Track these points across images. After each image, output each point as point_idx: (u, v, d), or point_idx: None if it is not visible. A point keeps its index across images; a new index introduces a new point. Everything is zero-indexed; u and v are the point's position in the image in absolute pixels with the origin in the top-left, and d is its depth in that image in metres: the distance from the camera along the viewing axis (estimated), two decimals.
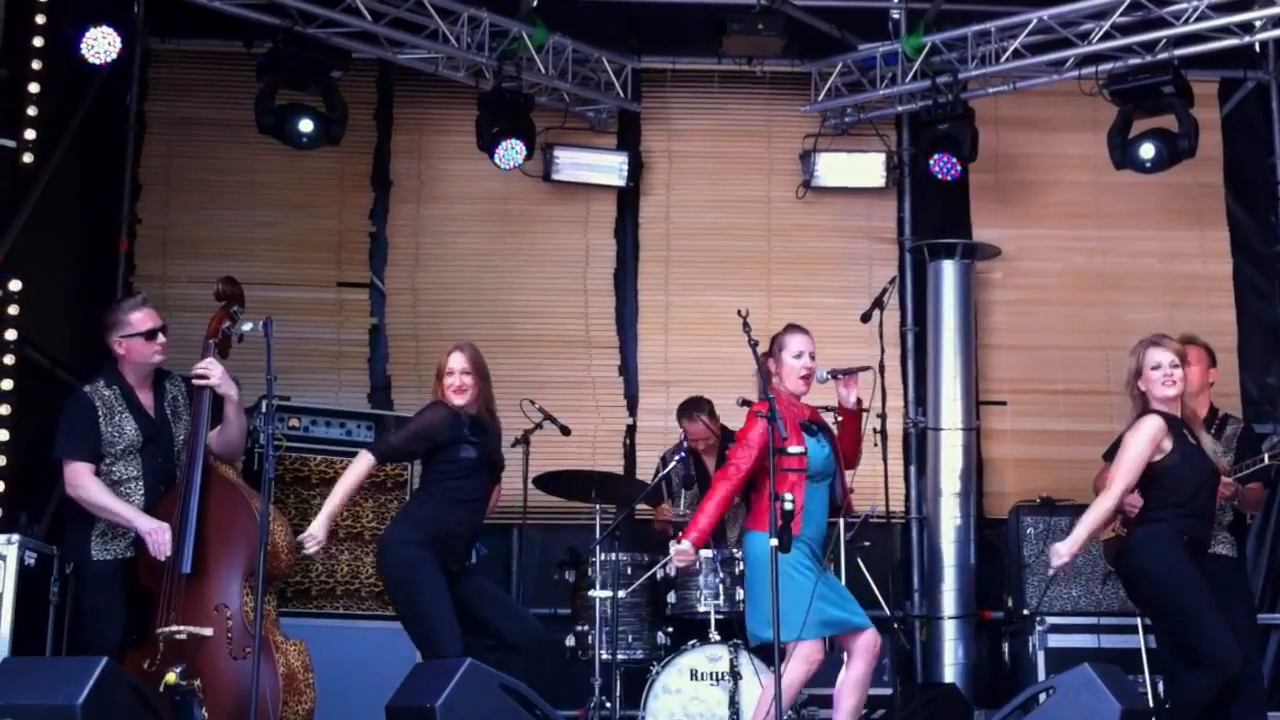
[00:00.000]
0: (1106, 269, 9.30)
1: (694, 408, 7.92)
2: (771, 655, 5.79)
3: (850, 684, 5.86)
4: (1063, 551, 5.81)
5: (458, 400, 6.20)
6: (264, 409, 5.75)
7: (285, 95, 8.19)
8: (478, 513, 6.26)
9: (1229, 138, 9.35)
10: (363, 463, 6.10)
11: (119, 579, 5.79)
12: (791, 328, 6.04)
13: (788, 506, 5.22)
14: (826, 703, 6.85)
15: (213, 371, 5.86)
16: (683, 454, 7.40)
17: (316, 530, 5.90)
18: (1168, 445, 5.88)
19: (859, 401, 6.04)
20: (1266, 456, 6.48)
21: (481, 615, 6.12)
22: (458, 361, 6.22)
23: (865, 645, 5.85)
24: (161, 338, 5.93)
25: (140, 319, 5.92)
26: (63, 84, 7.67)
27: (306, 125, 8.17)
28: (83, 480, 5.74)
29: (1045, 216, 9.38)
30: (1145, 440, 5.86)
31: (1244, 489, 6.55)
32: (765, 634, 5.76)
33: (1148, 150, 8.29)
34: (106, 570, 5.79)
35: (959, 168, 8.56)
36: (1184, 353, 6.07)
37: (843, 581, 7.04)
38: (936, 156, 8.53)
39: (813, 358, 5.94)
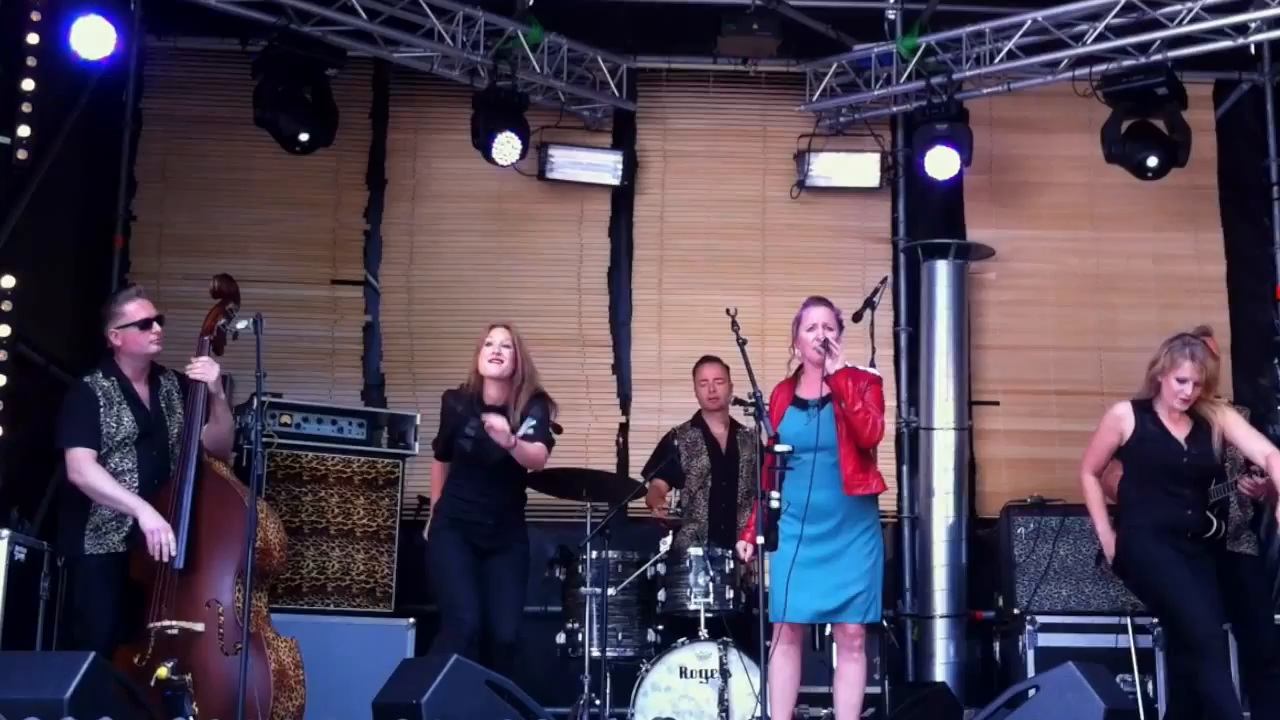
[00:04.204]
0: (1100, 270, 9.31)
1: (704, 358, 7.98)
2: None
3: (837, 679, 5.92)
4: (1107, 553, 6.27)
5: (493, 369, 6.32)
6: (254, 406, 5.77)
7: (279, 95, 8.21)
8: (487, 495, 6.40)
9: (1224, 140, 9.35)
10: (433, 468, 6.69)
11: (111, 573, 5.83)
12: (811, 300, 6.06)
13: (773, 505, 5.24)
14: (816, 701, 6.92)
15: (210, 371, 5.88)
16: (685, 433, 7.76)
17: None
18: (1127, 429, 6.12)
19: (851, 373, 5.85)
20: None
21: (485, 607, 6.28)
22: (499, 335, 6.42)
23: (838, 638, 5.91)
24: (157, 327, 5.97)
25: (135, 309, 5.96)
26: (59, 81, 7.67)
27: (304, 136, 8.19)
28: (84, 466, 5.78)
29: (1039, 217, 9.39)
30: (1102, 425, 6.24)
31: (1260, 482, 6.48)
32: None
33: (1151, 160, 8.33)
34: (99, 565, 5.83)
35: (958, 165, 8.54)
36: (1211, 372, 6.13)
37: None
38: (939, 146, 8.48)
39: (827, 329, 5.88)
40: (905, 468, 9.06)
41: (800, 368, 6.06)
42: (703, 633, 6.95)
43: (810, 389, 5.99)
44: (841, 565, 5.83)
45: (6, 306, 6.98)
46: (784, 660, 5.87)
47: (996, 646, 8.15)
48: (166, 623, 5.60)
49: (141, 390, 6.00)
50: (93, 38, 7.10)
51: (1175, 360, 6.02)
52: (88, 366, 6.10)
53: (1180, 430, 6.10)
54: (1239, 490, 6.34)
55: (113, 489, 5.76)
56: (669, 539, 7.35)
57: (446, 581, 6.30)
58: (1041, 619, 7.62)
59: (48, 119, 7.59)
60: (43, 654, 6.07)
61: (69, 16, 7.03)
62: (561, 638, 7.27)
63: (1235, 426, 6.07)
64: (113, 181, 8.90)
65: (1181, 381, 6.00)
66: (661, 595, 7.18)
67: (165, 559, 5.64)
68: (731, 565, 7.11)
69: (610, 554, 7.13)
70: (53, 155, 7.80)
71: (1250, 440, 6.07)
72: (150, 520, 5.67)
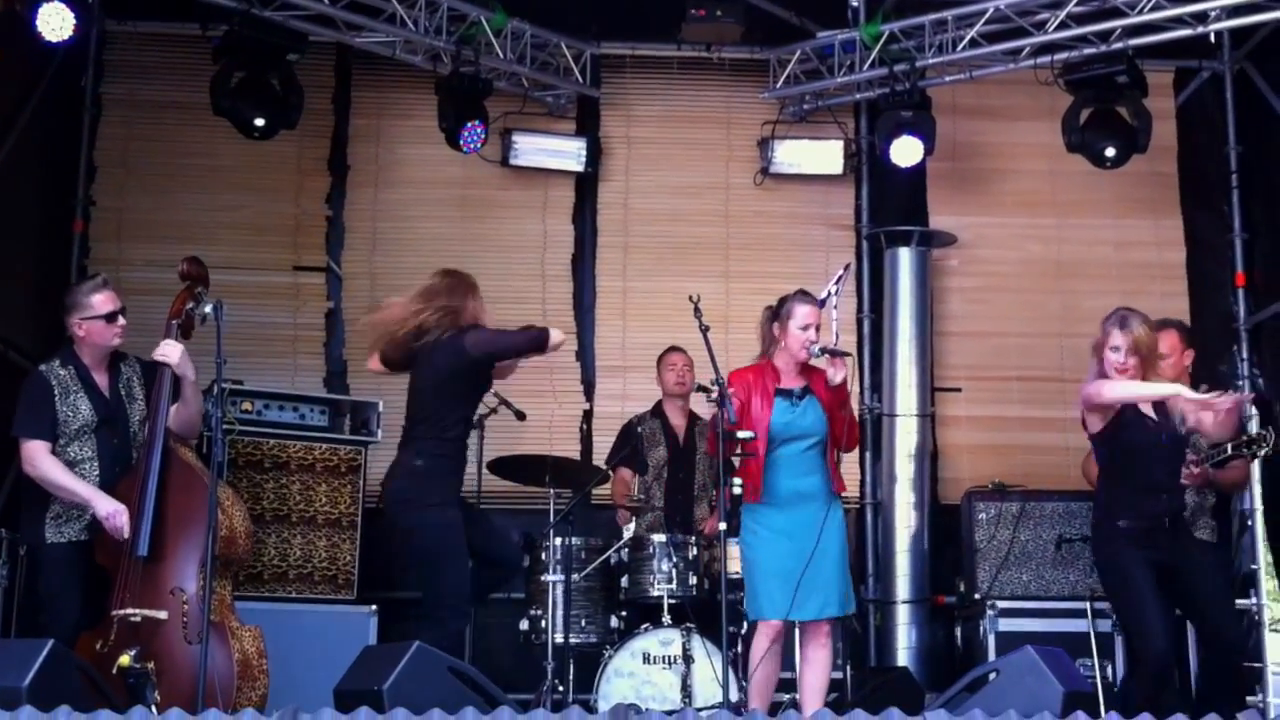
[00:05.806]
0: (1062, 257, 9.36)
1: (671, 347, 8.00)
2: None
3: (805, 665, 5.99)
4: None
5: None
6: (215, 392, 5.75)
7: (240, 80, 8.15)
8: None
9: (1184, 127, 9.40)
10: None
11: (74, 562, 5.78)
12: (802, 294, 6.12)
13: (735, 490, 5.27)
14: (781, 686, 6.94)
15: (173, 353, 5.86)
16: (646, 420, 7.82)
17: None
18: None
19: (845, 381, 6.05)
20: (1229, 446, 6.40)
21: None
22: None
23: (810, 627, 5.96)
24: (122, 320, 5.92)
25: (101, 301, 5.90)
26: (18, 67, 7.62)
27: (260, 121, 8.14)
28: (38, 459, 5.73)
29: (1002, 205, 9.44)
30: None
31: (1218, 474, 6.57)
32: (750, 613, 5.96)
33: (1110, 151, 8.39)
34: (61, 553, 5.78)
35: (922, 153, 8.55)
36: (1144, 342, 6.06)
37: None
38: (902, 135, 8.49)
39: (817, 330, 6.02)
40: (868, 454, 9.10)
41: (773, 354, 6.10)
42: (666, 618, 6.96)
43: (791, 380, 6.07)
44: (830, 559, 5.92)
45: None
46: (771, 656, 5.93)
47: (958, 631, 8.21)
48: (129, 610, 5.56)
49: (100, 378, 5.95)
50: (52, 21, 7.05)
51: (1106, 331, 6.05)
52: (47, 354, 6.05)
53: (1146, 407, 6.06)
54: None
55: (67, 480, 5.71)
56: (631, 525, 7.35)
57: None
58: (1002, 604, 7.67)
59: (5, 105, 7.54)
60: (1, 641, 6.02)
61: (28, 3, 6.98)
62: (525, 624, 7.26)
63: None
64: (72, 167, 8.81)
65: (1114, 350, 6.01)
66: (625, 581, 7.19)
67: (120, 539, 5.61)
68: (695, 551, 7.13)
69: (573, 540, 7.13)
70: (11, 141, 7.75)
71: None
72: (104, 506, 5.64)
